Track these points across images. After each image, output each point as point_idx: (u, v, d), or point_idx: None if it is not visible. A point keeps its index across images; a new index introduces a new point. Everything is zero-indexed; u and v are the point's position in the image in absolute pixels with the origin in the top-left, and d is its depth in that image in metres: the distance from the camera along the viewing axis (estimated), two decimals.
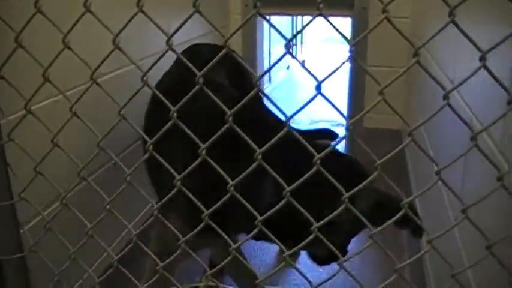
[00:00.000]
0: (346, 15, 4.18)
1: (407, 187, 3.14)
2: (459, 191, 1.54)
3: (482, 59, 0.77)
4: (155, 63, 0.91)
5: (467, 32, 0.78)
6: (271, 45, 6.58)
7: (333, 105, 0.88)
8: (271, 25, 0.92)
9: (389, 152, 0.83)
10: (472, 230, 0.89)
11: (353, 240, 1.61)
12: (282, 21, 7.51)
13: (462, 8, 0.77)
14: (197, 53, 2.27)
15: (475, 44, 0.77)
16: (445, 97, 0.79)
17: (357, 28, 3.93)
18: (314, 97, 0.87)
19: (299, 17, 8.06)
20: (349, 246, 1.62)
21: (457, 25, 0.76)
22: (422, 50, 2.54)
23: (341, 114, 0.89)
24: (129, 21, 0.92)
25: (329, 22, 0.87)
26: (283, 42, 0.87)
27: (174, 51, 0.88)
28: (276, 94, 6.08)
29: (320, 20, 0.86)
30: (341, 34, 0.90)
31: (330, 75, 0.87)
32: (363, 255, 1.14)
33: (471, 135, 0.82)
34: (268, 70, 0.89)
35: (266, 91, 4.86)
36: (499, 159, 1.20)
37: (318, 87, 0.86)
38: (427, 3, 2.79)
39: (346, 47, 4.08)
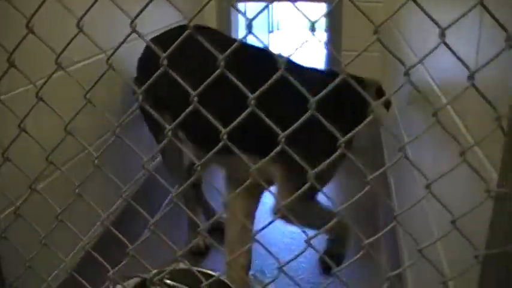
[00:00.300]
0: (321, 1, 4.19)
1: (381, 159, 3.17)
2: (430, 166, 1.56)
3: (442, 35, 0.78)
4: (119, 46, 0.90)
5: (434, 11, 0.79)
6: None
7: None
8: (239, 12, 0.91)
9: (367, 134, 0.84)
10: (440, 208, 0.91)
11: None
12: (259, 8, 7.47)
13: None
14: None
15: (433, 20, 0.78)
16: (406, 73, 0.80)
17: (332, 14, 3.94)
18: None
19: (275, 4, 8.04)
20: None
21: (416, 2, 0.77)
22: (395, 31, 2.55)
23: None
24: (92, 5, 0.91)
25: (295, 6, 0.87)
26: (259, 28, 0.87)
27: (138, 33, 0.88)
28: None
29: (298, 5, 0.86)
30: (305, 16, 0.90)
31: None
32: None
33: (432, 111, 0.83)
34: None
35: None
36: (462, 131, 1.22)
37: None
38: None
39: (323, 33, 4.07)
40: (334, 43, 3.97)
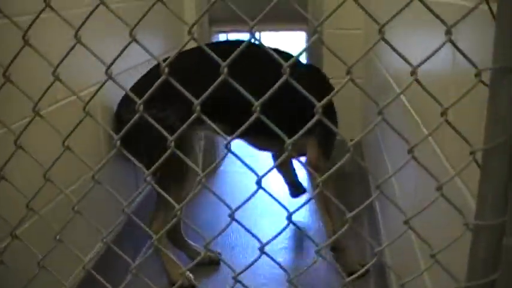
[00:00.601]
0: (301, 30, 4.24)
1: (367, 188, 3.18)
2: (412, 199, 1.57)
3: (413, 73, 0.79)
4: (96, 92, 0.91)
5: (406, 43, 0.80)
6: None
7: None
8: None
9: (351, 160, 0.85)
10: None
11: None
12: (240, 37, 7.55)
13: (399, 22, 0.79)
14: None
15: (405, 59, 0.80)
16: (379, 113, 0.81)
17: (313, 44, 3.96)
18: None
19: (257, 34, 8.11)
20: None
21: (386, 42, 0.79)
22: (375, 61, 2.58)
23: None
24: (70, 50, 0.92)
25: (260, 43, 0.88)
26: None
27: (114, 80, 0.89)
28: None
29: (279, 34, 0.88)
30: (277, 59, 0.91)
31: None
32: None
33: (407, 148, 0.84)
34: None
35: None
36: (441, 161, 1.23)
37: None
38: (377, 15, 2.84)
39: (304, 60, 4.08)
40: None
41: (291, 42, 5.02)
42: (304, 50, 0.88)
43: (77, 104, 1.00)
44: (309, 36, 4.09)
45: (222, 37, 4.63)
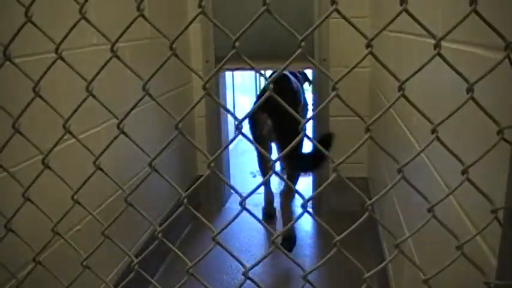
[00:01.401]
0: (307, 67, 4.25)
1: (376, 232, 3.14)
2: (428, 256, 1.53)
3: (433, 131, 0.77)
4: (130, 110, 0.89)
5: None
6: (234, 96, 6.63)
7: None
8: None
9: (357, 200, 0.83)
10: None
11: None
12: (246, 75, 7.62)
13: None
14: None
15: (425, 117, 0.78)
16: (399, 171, 0.79)
17: (319, 79, 3.98)
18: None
19: (262, 71, 8.18)
20: None
21: (407, 99, 0.77)
22: (379, 95, 2.55)
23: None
24: (82, 102, 0.90)
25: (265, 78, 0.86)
26: (247, 93, 0.86)
27: (150, 96, 0.86)
28: (243, 145, 6.09)
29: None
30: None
31: (310, 118, 0.86)
32: None
33: (428, 206, 0.81)
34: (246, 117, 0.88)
35: (235, 142, 4.85)
36: (461, 217, 1.20)
37: (304, 128, 0.85)
38: (385, 54, 2.84)
39: (310, 95, 4.18)
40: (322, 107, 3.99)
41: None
42: (316, 112, 0.85)
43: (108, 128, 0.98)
44: (315, 71, 4.11)
45: (228, 74, 4.65)
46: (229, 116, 4.73)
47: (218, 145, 4.22)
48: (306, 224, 3.98)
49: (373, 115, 3.36)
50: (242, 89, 7.30)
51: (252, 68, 0.82)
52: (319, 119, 4.06)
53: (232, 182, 4.66)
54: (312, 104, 4.25)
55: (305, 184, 4.74)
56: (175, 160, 3.74)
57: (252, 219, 0.90)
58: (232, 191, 4.56)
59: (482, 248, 1.04)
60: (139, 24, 0.86)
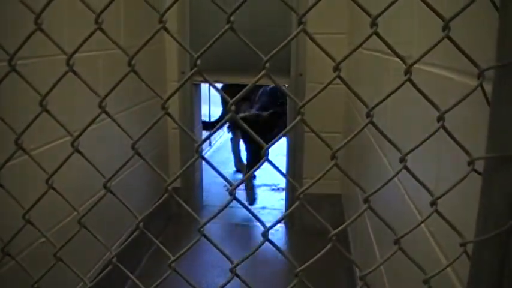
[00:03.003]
0: (283, 84, 4.23)
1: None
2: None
3: (402, 160, 0.74)
4: (87, 127, 0.84)
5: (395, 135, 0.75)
6: (210, 109, 6.59)
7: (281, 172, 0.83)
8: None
9: (330, 216, 0.79)
10: None
11: None
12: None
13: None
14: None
15: (395, 146, 0.74)
16: (366, 201, 0.76)
17: (295, 94, 3.96)
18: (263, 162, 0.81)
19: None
20: None
21: (374, 125, 0.73)
22: (354, 112, 2.53)
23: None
24: (38, 115, 0.85)
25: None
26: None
27: (107, 114, 0.81)
28: (217, 157, 6.05)
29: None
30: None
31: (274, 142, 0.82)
32: None
33: (394, 238, 0.78)
34: (211, 134, 0.84)
35: (207, 155, 4.92)
36: (432, 245, 1.17)
37: (266, 154, 0.80)
38: (358, 71, 2.83)
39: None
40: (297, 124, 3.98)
41: None
42: (286, 131, 0.82)
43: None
44: (291, 87, 4.09)
45: (204, 87, 4.61)
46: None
47: (192, 157, 4.16)
48: (278, 242, 3.93)
49: (349, 132, 3.35)
50: (218, 102, 7.28)
51: (214, 86, 0.78)
52: (294, 135, 4.03)
53: (206, 194, 4.61)
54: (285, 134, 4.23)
55: (278, 200, 4.72)
56: (148, 172, 3.68)
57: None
58: (205, 202, 4.52)
59: (452, 281, 1.01)
60: (113, 33, 0.81)
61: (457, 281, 0.99)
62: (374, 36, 0.71)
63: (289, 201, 4.24)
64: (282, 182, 4.97)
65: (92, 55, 2.59)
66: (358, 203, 2.70)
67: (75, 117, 2.20)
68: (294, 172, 4.08)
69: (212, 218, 0.86)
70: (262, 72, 0.72)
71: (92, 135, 2.46)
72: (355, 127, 2.96)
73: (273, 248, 0.83)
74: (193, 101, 4.21)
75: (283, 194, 4.57)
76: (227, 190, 0.83)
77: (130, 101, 3.23)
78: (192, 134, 0.86)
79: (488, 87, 0.72)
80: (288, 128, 0.81)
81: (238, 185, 0.84)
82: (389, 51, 0.75)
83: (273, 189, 5.03)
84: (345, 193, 3.79)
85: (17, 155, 0.92)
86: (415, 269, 0.98)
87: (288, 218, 4.19)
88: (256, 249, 0.82)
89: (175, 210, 4.29)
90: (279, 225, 4.19)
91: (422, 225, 1.23)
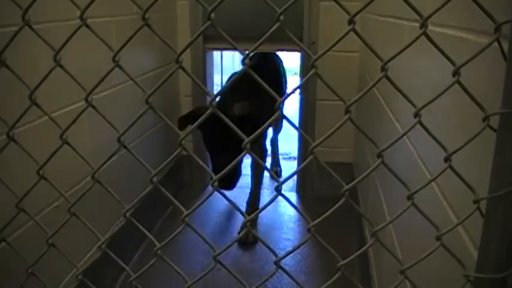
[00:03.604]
0: (296, 50, 4.20)
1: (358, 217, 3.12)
2: (407, 245, 1.50)
3: (416, 115, 0.74)
4: (99, 82, 0.84)
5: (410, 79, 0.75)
6: (222, 78, 6.58)
7: (293, 125, 0.83)
8: None
9: (341, 185, 0.79)
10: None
11: None
12: (235, 55, 7.55)
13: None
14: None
15: (411, 102, 0.74)
16: (379, 156, 0.75)
17: (307, 62, 3.93)
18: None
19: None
20: None
21: (390, 81, 0.73)
22: (368, 81, 2.51)
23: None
24: (48, 74, 0.85)
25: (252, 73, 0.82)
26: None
27: (120, 67, 0.81)
28: None
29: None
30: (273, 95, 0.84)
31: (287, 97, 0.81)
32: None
33: (407, 194, 0.78)
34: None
35: None
36: (443, 205, 1.17)
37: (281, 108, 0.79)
38: (373, 39, 2.80)
39: (298, 78, 4.12)
40: (308, 91, 3.96)
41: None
42: (299, 86, 0.82)
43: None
44: (303, 55, 4.06)
45: (216, 55, 4.59)
46: None
47: None
48: (289, 208, 3.95)
49: (361, 105, 3.33)
50: (230, 70, 7.24)
51: (235, 48, 0.77)
52: (306, 102, 4.02)
53: None
54: (299, 87, 4.19)
55: (290, 168, 4.73)
56: (159, 139, 3.68)
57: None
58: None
59: (463, 239, 1.01)
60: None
61: (469, 240, 0.99)
62: (388, 3, 0.70)
63: (301, 169, 4.24)
64: (293, 151, 4.96)
65: (104, 21, 2.58)
66: (372, 178, 2.70)
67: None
68: (306, 140, 4.07)
69: (195, 209, 0.87)
70: (277, 25, 0.71)
71: (106, 95, 2.47)
72: (369, 96, 2.94)
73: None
74: (206, 68, 4.20)
75: (295, 163, 4.57)
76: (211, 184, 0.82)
77: (142, 69, 3.23)
78: (204, 87, 0.85)
79: (505, 46, 0.71)
80: (302, 82, 0.80)
81: (218, 178, 0.83)
82: (404, 17, 0.74)
83: (284, 158, 5.04)
84: (356, 162, 3.78)
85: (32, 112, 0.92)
86: (424, 227, 0.98)
87: (301, 186, 4.20)
88: (264, 207, 0.83)
89: (188, 179, 4.31)
90: (291, 193, 4.21)
91: (434, 184, 1.23)
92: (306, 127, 4.06)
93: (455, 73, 0.72)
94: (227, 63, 6.93)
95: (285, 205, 3.97)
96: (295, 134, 4.32)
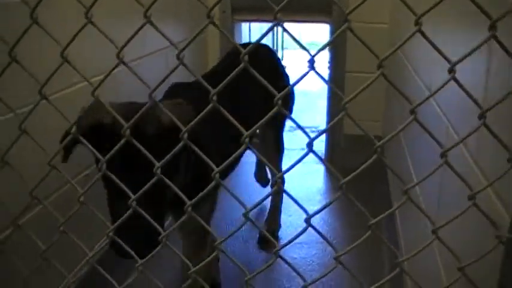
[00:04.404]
0: (325, 22, 4.15)
1: (386, 192, 3.11)
2: (435, 207, 1.49)
3: (451, 71, 0.72)
4: (104, 78, 0.85)
5: (443, 40, 0.73)
6: None
7: (325, 80, 0.83)
8: None
9: (370, 157, 0.78)
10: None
11: None
12: (264, 27, 7.49)
13: (435, 16, 0.72)
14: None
15: (443, 55, 0.73)
16: (412, 112, 0.75)
17: (336, 36, 3.87)
18: (307, 73, 0.80)
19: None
20: None
21: (423, 35, 0.72)
22: (401, 58, 2.49)
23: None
24: (79, 31, 0.86)
25: (286, 31, 0.82)
26: None
27: (125, 64, 0.82)
28: None
29: (303, 25, 0.81)
30: (306, 50, 0.84)
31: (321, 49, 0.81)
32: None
33: (441, 151, 0.77)
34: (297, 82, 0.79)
35: None
36: (474, 170, 1.15)
37: (311, 61, 0.78)
38: (403, 10, 2.76)
39: (327, 53, 4.04)
40: (338, 63, 3.92)
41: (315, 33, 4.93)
42: (330, 42, 0.81)
43: (87, 90, 0.93)
44: (333, 28, 4.01)
45: (244, 26, 4.56)
46: None
47: None
48: (317, 181, 3.95)
49: (391, 74, 3.29)
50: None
51: (263, 19, 0.77)
52: (335, 75, 3.99)
53: None
54: (329, 62, 4.15)
55: (318, 142, 4.71)
56: None
57: None
58: None
59: (494, 201, 0.99)
60: None
61: (500, 203, 0.98)
62: None
63: (329, 142, 4.23)
64: (322, 124, 4.93)
65: None
66: (400, 143, 2.68)
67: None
68: (334, 112, 4.05)
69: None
70: None
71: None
72: (400, 72, 2.91)
73: None
74: (234, 39, 4.18)
75: (323, 137, 4.55)
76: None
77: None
78: (232, 39, 0.85)
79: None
80: (334, 35, 0.79)
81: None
82: None
83: (312, 131, 5.02)
84: (385, 135, 3.75)
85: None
86: (454, 188, 0.97)
87: (328, 158, 4.18)
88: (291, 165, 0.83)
89: None
90: (319, 165, 4.20)
91: (462, 146, 1.22)
92: (335, 98, 4.03)
93: (451, 70, 0.72)
94: (255, 35, 6.89)
95: (312, 178, 3.96)
96: (323, 106, 4.28)
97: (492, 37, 0.70)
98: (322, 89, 4.45)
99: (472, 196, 0.79)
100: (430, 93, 0.77)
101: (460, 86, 0.73)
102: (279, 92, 0.80)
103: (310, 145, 0.80)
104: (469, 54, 0.71)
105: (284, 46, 8.64)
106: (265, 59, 2.82)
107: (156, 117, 1.37)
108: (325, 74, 4.17)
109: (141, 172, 1.03)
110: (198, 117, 0.83)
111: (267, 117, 0.82)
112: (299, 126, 0.84)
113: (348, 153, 4.00)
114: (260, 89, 0.85)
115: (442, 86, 0.73)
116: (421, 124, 0.75)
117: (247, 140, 0.81)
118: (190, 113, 1.41)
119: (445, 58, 0.73)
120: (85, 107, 1.35)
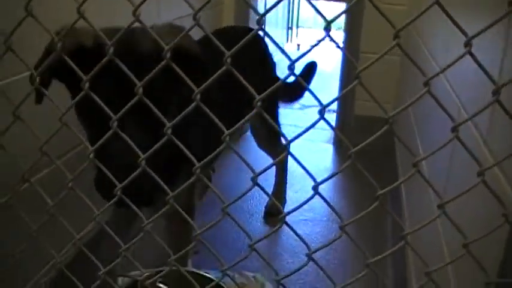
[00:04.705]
0: (341, 1, 4.13)
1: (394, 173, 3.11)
2: (443, 183, 1.49)
3: (467, 44, 0.72)
4: (119, 35, 0.85)
5: (457, 17, 0.73)
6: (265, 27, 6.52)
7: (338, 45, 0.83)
8: None
9: (381, 138, 0.79)
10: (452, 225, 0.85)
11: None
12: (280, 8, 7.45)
13: None
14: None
15: (460, 28, 0.72)
16: (426, 84, 0.74)
17: (352, 14, 3.86)
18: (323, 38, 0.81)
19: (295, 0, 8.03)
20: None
21: (440, 5, 0.71)
22: (415, 37, 2.47)
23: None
24: None
25: (310, 3, 0.81)
26: (279, 24, 0.81)
27: (140, 22, 0.82)
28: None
29: (319, 4, 0.80)
30: (321, 15, 0.83)
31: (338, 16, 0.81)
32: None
33: (452, 125, 0.77)
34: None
35: None
36: (483, 150, 1.15)
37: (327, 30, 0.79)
38: None
39: (342, 33, 4.01)
40: (352, 44, 3.89)
41: (330, 12, 4.93)
42: (348, 9, 0.79)
43: None
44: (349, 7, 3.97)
45: (261, 2, 4.53)
46: None
47: None
48: (325, 160, 3.95)
49: (405, 60, 3.27)
50: (274, 20, 7.16)
51: None
52: (348, 55, 3.96)
53: None
54: (343, 42, 4.11)
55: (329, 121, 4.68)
56: None
57: None
58: None
59: (502, 182, 0.99)
60: None
61: (507, 183, 0.98)
62: None
63: (340, 122, 4.22)
64: (334, 105, 4.92)
65: None
66: (410, 125, 2.68)
67: None
68: (347, 93, 4.03)
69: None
70: None
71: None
72: (414, 50, 2.89)
73: None
74: (249, 12, 4.14)
75: (333, 115, 4.53)
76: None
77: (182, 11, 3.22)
78: (250, 5, 0.85)
79: None
80: (350, 4, 0.79)
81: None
82: None
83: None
84: (396, 118, 3.73)
85: None
86: (461, 164, 0.96)
87: (338, 141, 4.18)
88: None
89: None
90: (328, 145, 4.20)
91: (475, 131, 1.22)
92: (347, 79, 4.01)
93: (467, 44, 0.71)
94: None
95: (320, 158, 3.95)
96: (335, 86, 4.26)
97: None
98: (336, 69, 4.42)
99: (481, 172, 0.79)
100: (445, 77, 0.76)
101: (475, 60, 0.73)
102: (265, 82, 0.81)
103: (321, 112, 0.80)
104: (489, 27, 0.70)
105: (299, 24, 8.60)
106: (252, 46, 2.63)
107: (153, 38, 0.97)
108: (338, 55, 4.15)
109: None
110: (209, 81, 0.84)
111: (247, 117, 0.84)
112: (310, 92, 0.84)
113: (358, 133, 3.98)
114: (253, 67, 0.85)
115: (458, 59, 0.73)
116: (434, 96, 0.75)
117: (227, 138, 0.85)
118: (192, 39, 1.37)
119: (462, 31, 0.72)
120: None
